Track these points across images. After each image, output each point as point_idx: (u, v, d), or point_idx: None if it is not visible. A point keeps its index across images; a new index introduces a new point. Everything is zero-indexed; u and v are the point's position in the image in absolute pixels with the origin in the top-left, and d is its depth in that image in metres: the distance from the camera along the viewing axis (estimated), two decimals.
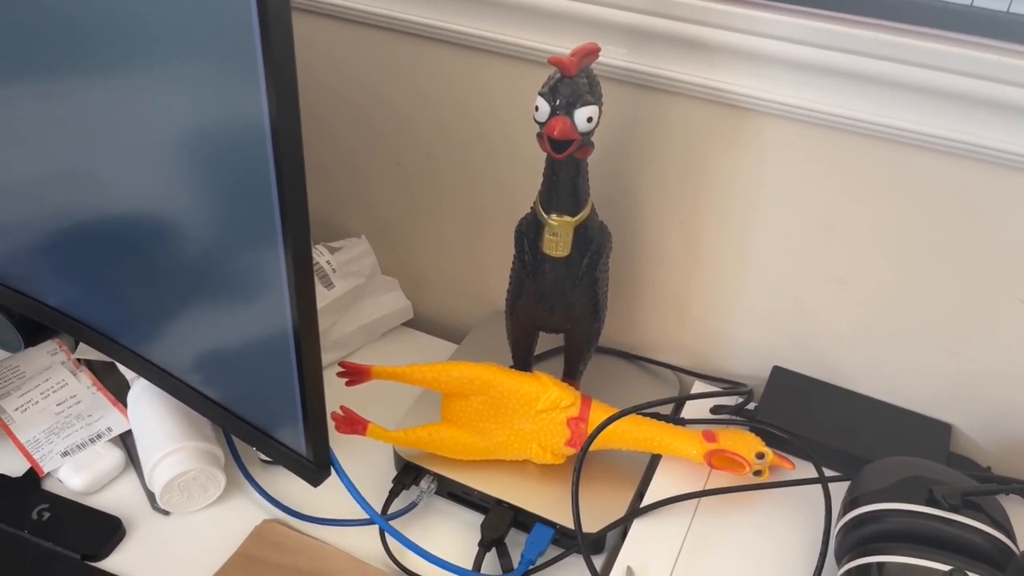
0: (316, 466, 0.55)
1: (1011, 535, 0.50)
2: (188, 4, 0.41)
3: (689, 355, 0.73)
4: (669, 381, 0.73)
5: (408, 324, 0.83)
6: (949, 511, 0.49)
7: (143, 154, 0.50)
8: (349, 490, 0.58)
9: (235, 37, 0.40)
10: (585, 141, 0.53)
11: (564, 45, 0.61)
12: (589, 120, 0.52)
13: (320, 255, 0.76)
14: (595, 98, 0.52)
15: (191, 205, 0.50)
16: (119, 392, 0.71)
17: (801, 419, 0.65)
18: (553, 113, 0.51)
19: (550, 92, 0.51)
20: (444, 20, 0.66)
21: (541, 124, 0.52)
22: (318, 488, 0.62)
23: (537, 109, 0.52)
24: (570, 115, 0.51)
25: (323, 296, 0.75)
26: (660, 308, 0.72)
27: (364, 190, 0.81)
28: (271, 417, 0.56)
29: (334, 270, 0.76)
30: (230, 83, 0.42)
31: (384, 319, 0.80)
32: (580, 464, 0.59)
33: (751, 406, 0.67)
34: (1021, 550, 0.49)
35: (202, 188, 0.48)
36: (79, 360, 0.74)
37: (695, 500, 0.61)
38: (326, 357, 0.77)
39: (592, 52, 0.52)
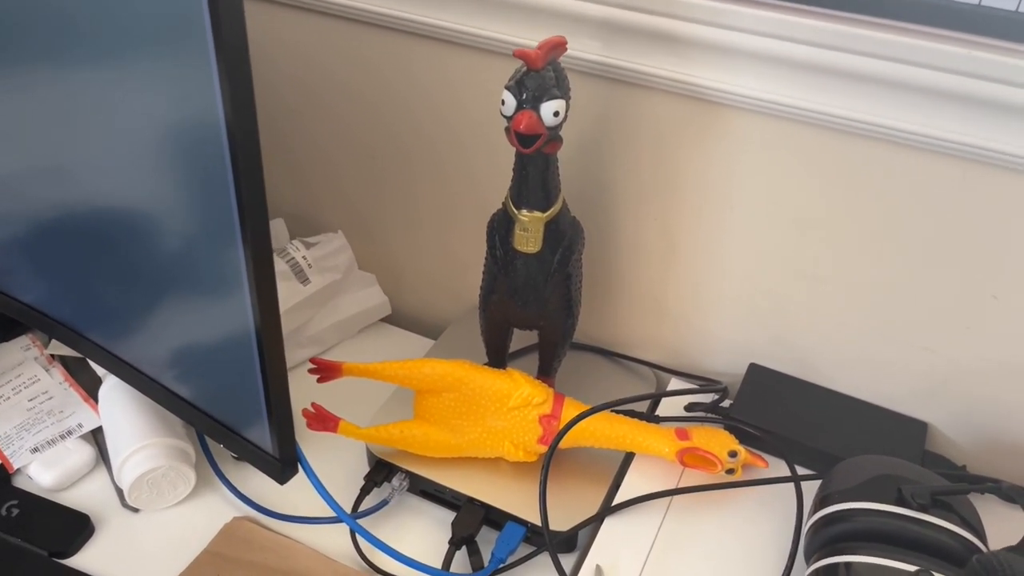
0: (282, 463, 0.54)
1: (981, 535, 0.49)
2: None
3: (666, 351, 0.73)
4: (646, 378, 0.73)
5: (386, 320, 0.82)
6: (918, 511, 0.49)
7: (104, 151, 0.49)
8: (316, 488, 0.57)
9: (187, 29, 0.39)
10: (553, 135, 0.53)
11: (535, 38, 0.61)
12: (556, 114, 0.51)
13: (296, 250, 0.76)
14: (562, 92, 0.51)
15: (151, 201, 0.49)
16: (91, 388, 0.70)
17: (776, 417, 0.65)
18: (519, 107, 0.51)
19: (516, 86, 0.51)
20: (413, 12, 0.65)
21: (508, 118, 0.52)
22: (290, 485, 0.61)
23: (503, 103, 0.51)
24: (536, 109, 0.51)
25: (298, 292, 0.74)
26: (637, 304, 0.72)
27: (340, 184, 0.80)
28: (237, 414, 0.55)
29: (310, 265, 0.76)
30: (184, 77, 0.41)
31: (361, 315, 0.80)
32: (548, 462, 0.58)
33: (726, 403, 0.67)
34: (989, 549, 0.49)
35: (162, 184, 0.48)
36: (52, 356, 0.74)
37: (667, 498, 0.60)
38: (301, 353, 0.76)
39: (559, 45, 0.51)
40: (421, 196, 0.76)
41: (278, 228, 0.83)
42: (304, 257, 0.76)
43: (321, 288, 0.76)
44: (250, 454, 0.56)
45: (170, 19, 0.40)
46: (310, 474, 0.57)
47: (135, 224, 0.51)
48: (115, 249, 0.54)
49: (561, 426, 0.60)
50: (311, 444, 0.67)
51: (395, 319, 0.83)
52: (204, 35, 0.39)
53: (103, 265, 0.56)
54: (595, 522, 0.59)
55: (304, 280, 0.75)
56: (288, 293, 0.74)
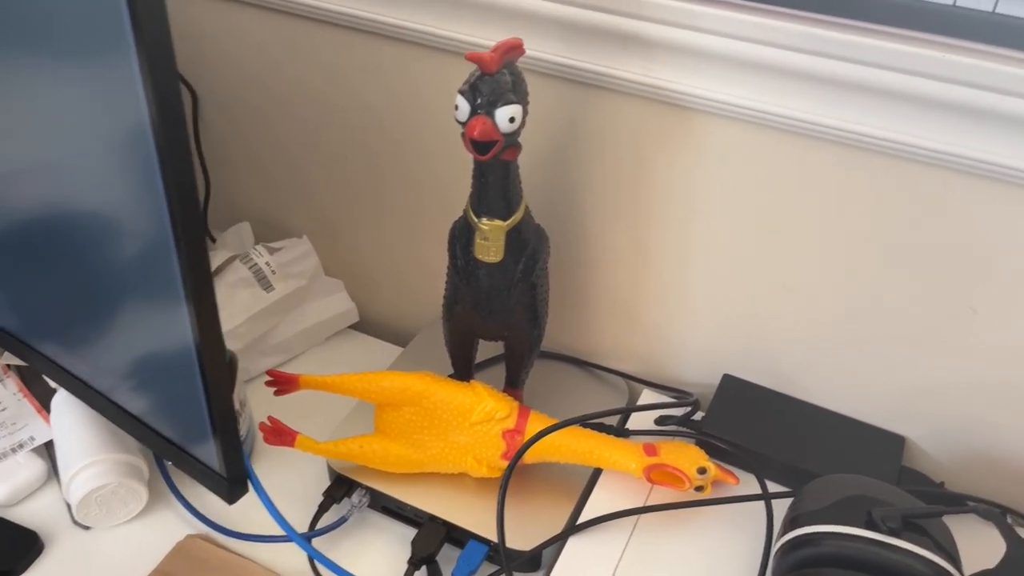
0: (229, 482, 0.52)
1: (954, 559, 0.47)
2: None
3: (639, 361, 0.71)
4: (618, 388, 0.70)
5: (355, 327, 0.80)
6: (888, 535, 0.47)
7: (31, 158, 0.47)
8: (267, 507, 0.55)
9: (107, 27, 0.37)
10: (510, 142, 0.50)
11: (497, 39, 0.58)
12: (512, 120, 0.49)
13: (259, 256, 0.73)
14: (519, 97, 0.49)
15: (83, 211, 0.47)
16: (46, 399, 0.68)
17: (749, 430, 0.63)
18: (473, 113, 0.49)
19: (470, 90, 0.49)
20: (379, 12, 0.63)
21: (462, 124, 0.49)
22: (246, 502, 0.60)
23: (457, 108, 0.49)
24: (491, 115, 0.48)
25: (262, 299, 0.72)
26: (609, 313, 0.70)
27: (307, 188, 0.78)
28: (184, 431, 0.53)
29: (273, 272, 0.73)
30: (107, 79, 0.39)
31: (328, 322, 0.78)
32: (507, 480, 0.56)
33: (699, 415, 0.65)
34: (962, 575, 0.47)
35: (92, 193, 0.46)
36: (8, 366, 0.72)
37: (634, 517, 0.58)
38: (265, 362, 0.74)
39: (515, 47, 0.49)
40: (390, 200, 0.74)
41: (243, 232, 0.80)
42: (267, 263, 0.73)
43: (285, 295, 0.74)
44: (198, 473, 0.54)
45: (89, 18, 0.38)
46: (261, 493, 0.55)
47: (69, 234, 0.49)
48: (51, 260, 0.52)
49: (525, 441, 0.58)
50: (272, 458, 0.66)
51: (364, 326, 0.81)
52: (124, 33, 0.37)
53: (42, 276, 0.54)
54: (559, 541, 0.57)
55: (267, 287, 0.73)
56: (250, 300, 0.72)
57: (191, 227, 0.42)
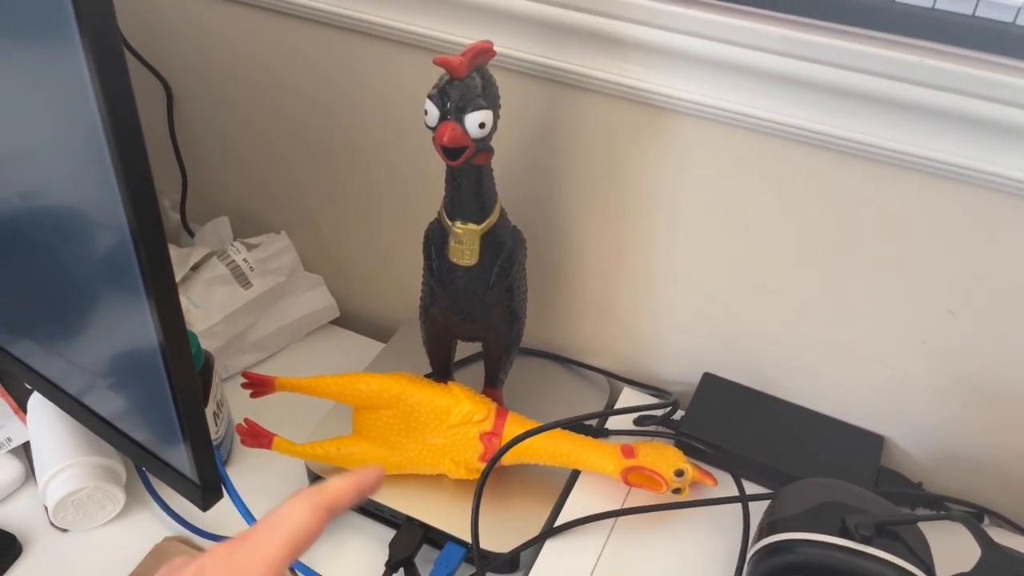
0: (203, 489, 0.52)
1: (928, 565, 0.47)
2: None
3: (620, 359, 0.70)
4: (600, 386, 0.70)
5: (336, 322, 0.80)
6: (861, 543, 0.47)
7: None
8: (241, 513, 0.55)
9: (53, 21, 0.36)
10: (481, 147, 0.49)
11: (475, 37, 0.57)
12: (482, 126, 0.48)
13: (236, 253, 0.73)
14: (489, 102, 0.48)
15: (45, 210, 0.47)
16: (23, 398, 0.67)
17: (728, 430, 0.62)
18: (443, 118, 0.48)
19: (439, 95, 0.47)
20: (359, 10, 0.61)
21: (432, 129, 0.49)
22: (224, 504, 0.59)
23: (426, 113, 0.48)
24: (460, 120, 0.47)
25: (239, 296, 0.72)
26: (588, 311, 0.69)
27: (287, 181, 0.77)
28: (156, 437, 0.53)
29: (251, 268, 0.73)
30: (56, 74, 0.38)
31: (308, 318, 0.77)
32: (482, 483, 0.56)
33: (679, 415, 0.64)
34: None
35: (52, 192, 0.45)
36: None
37: (612, 519, 0.58)
38: (244, 360, 0.74)
39: (484, 51, 0.48)
40: (371, 193, 0.73)
41: (222, 226, 0.80)
42: (245, 260, 0.73)
43: (264, 291, 0.73)
44: (171, 479, 0.53)
45: (33, 7, 0.37)
46: (235, 499, 0.55)
47: (32, 234, 0.48)
48: (15, 259, 0.51)
49: (503, 444, 0.58)
50: (250, 458, 0.65)
51: (346, 321, 0.80)
52: (70, 26, 0.36)
53: (6, 276, 0.53)
54: (536, 543, 0.57)
55: (245, 284, 0.72)
56: (228, 298, 0.71)
57: (149, 227, 0.41)
